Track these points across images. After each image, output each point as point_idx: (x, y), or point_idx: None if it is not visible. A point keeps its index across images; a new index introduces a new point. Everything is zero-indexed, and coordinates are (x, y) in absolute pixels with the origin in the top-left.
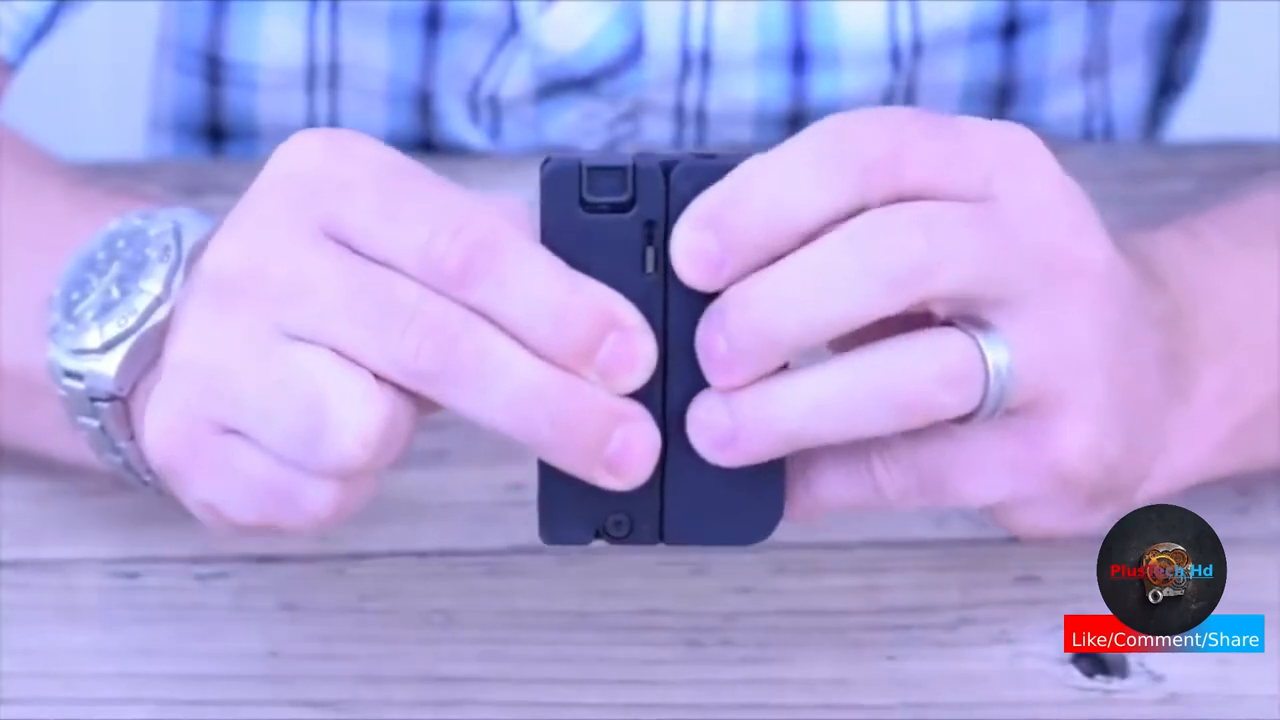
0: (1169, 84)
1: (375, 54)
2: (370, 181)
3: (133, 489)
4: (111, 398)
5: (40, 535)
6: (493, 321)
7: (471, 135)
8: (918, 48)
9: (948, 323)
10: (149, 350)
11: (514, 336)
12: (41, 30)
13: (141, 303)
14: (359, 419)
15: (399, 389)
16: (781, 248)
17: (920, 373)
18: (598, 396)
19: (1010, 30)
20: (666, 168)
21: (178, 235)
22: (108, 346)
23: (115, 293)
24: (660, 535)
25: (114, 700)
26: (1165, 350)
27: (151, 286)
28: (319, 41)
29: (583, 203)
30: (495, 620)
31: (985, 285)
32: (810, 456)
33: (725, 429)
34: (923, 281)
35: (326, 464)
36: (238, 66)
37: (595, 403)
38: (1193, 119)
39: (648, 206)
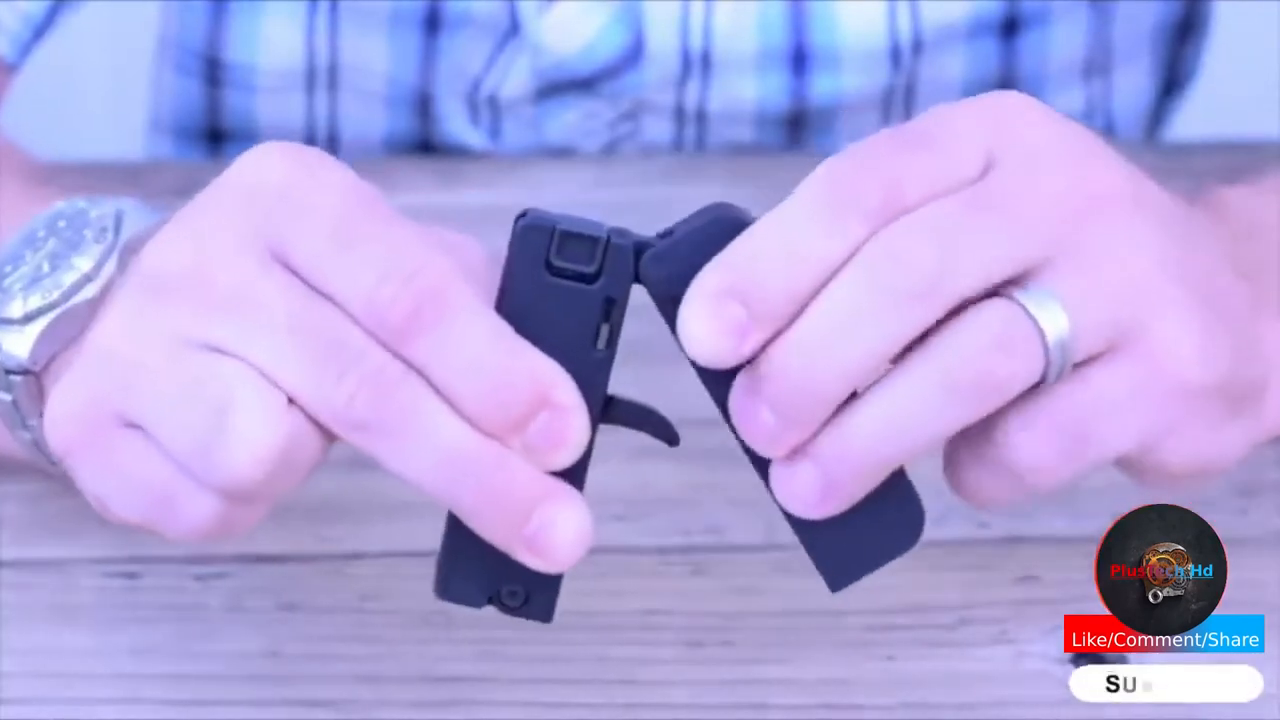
0: (1171, 83)
1: (375, 55)
2: (329, 211)
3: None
4: (25, 371)
5: (40, 535)
6: (429, 378)
7: (471, 136)
8: (918, 46)
9: (989, 294)
10: (69, 327)
11: (447, 397)
12: (41, 29)
13: (69, 278)
14: (260, 436)
15: (312, 421)
16: (801, 306)
17: (973, 350)
18: (523, 472)
19: (1010, 28)
20: (639, 249)
21: (118, 220)
22: (28, 318)
23: (45, 267)
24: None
25: (113, 700)
26: (1233, 261)
27: (82, 264)
28: (318, 43)
29: (549, 265)
30: (495, 620)
31: (1011, 261)
32: (948, 460)
33: (814, 489)
34: (946, 286)
35: (217, 475)
36: (237, 68)
37: (519, 478)
38: (1193, 119)
39: (612, 283)
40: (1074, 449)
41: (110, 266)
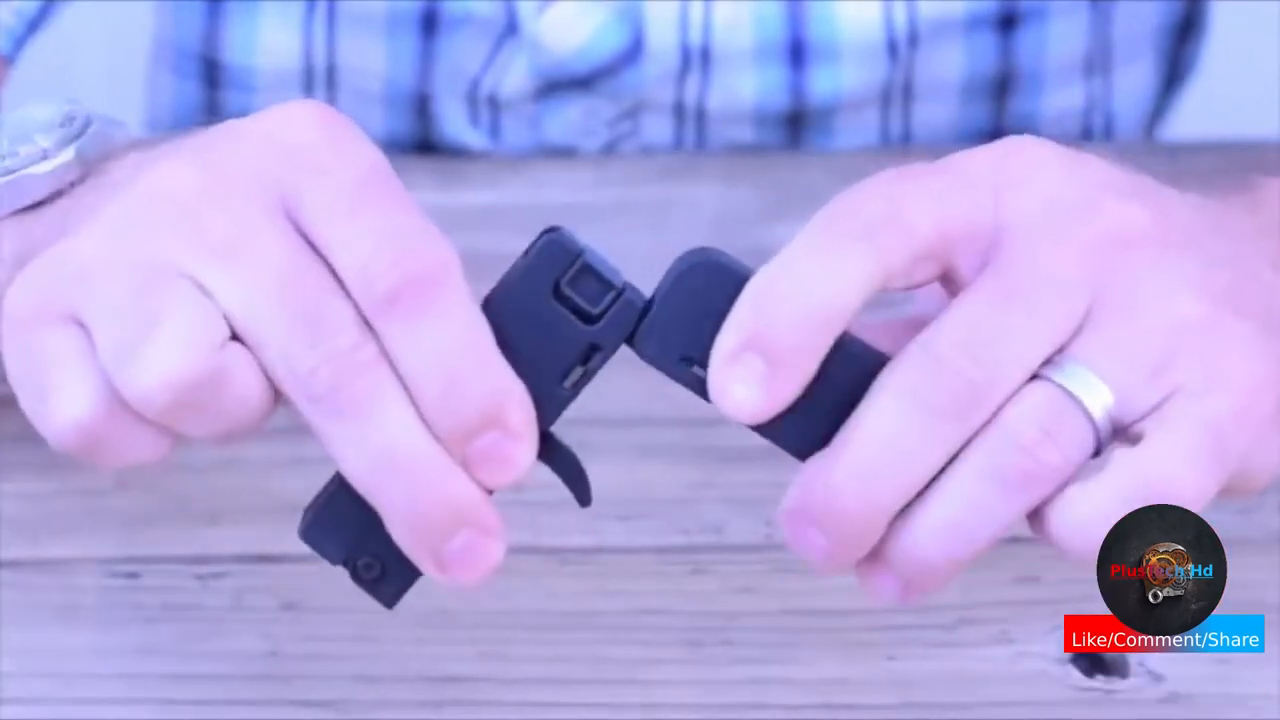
0: (1170, 78)
1: (372, 56)
2: (348, 177)
3: (130, 493)
4: None
5: (40, 535)
6: (397, 362)
7: (470, 136)
8: (914, 39)
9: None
10: (13, 195)
11: (409, 386)
12: (35, 23)
13: (24, 149)
14: (177, 361)
15: (264, 375)
16: (825, 345)
17: (1019, 444)
18: (462, 491)
19: (1007, 22)
20: (645, 312)
21: (88, 121)
22: None
23: (4, 143)
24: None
25: (114, 700)
26: (1273, 256)
27: (42, 140)
28: (315, 44)
29: (556, 287)
30: (493, 620)
31: (1048, 346)
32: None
33: (895, 592)
34: (987, 397)
35: (127, 383)
36: (234, 69)
37: (456, 495)
38: (1193, 118)
39: (606, 333)
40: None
41: (68, 154)
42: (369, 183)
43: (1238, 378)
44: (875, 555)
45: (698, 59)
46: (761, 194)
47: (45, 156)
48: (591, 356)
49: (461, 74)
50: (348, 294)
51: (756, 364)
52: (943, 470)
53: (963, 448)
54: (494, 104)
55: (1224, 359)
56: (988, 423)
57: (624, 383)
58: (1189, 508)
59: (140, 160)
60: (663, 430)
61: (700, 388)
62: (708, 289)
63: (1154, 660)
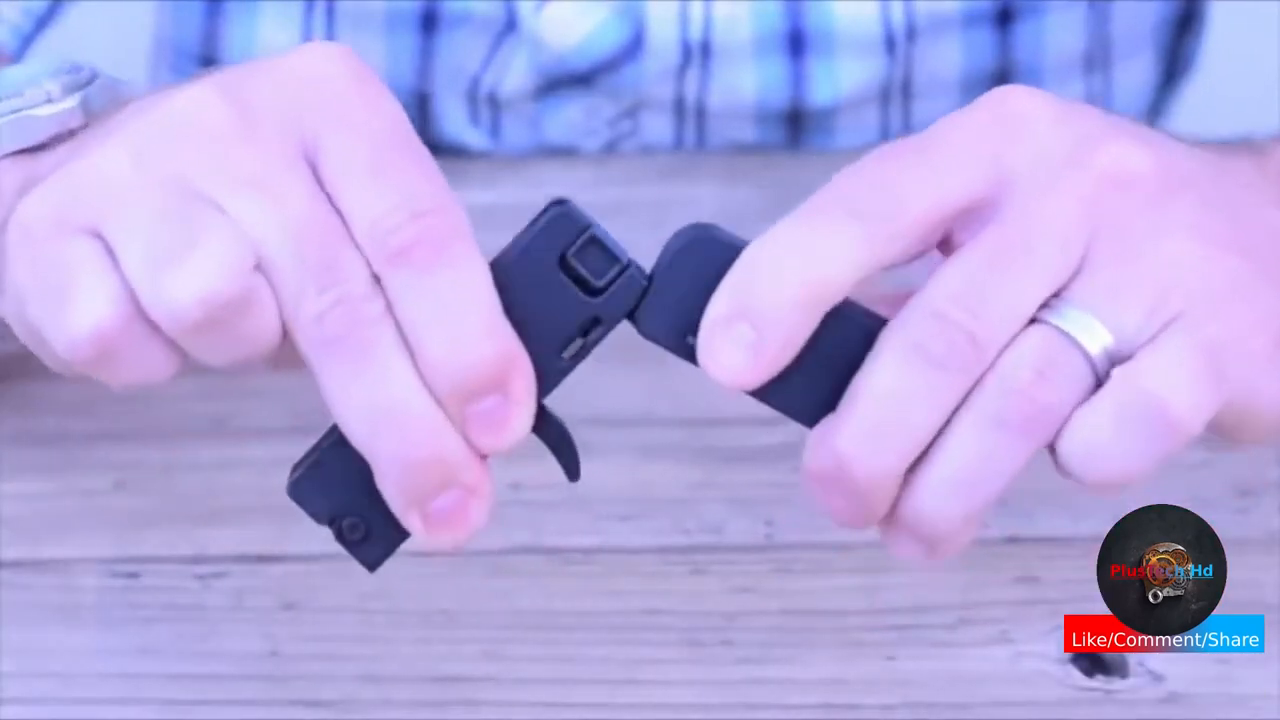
0: (1169, 73)
1: (372, 55)
2: (372, 132)
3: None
4: None
5: (40, 535)
6: (402, 318)
7: (470, 135)
8: (911, 34)
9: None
10: (14, 135)
11: (412, 344)
12: (43, 21)
13: (31, 92)
14: (216, 279)
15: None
16: (814, 319)
17: (1017, 388)
18: (455, 449)
19: (1005, 17)
20: (647, 290)
21: (94, 74)
22: None
23: (10, 84)
24: (373, 567)
25: (114, 700)
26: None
27: (49, 85)
28: None
29: (562, 258)
30: (495, 620)
31: (1041, 291)
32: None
33: (918, 552)
34: (985, 347)
35: (159, 299)
36: None
37: (448, 453)
38: (1192, 115)
39: (609, 306)
40: (1156, 434)
41: (72, 100)
42: (391, 140)
43: (1235, 311)
44: (892, 515)
45: (698, 54)
46: (761, 194)
47: (50, 100)
48: (591, 329)
49: (461, 72)
50: (359, 249)
51: (745, 331)
52: (948, 425)
53: (964, 400)
54: (494, 103)
55: (1221, 295)
56: (988, 372)
57: (624, 383)
58: (1184, 425)
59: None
60: (663, 430)
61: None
62: (705, 264)
63: (1154, 660)
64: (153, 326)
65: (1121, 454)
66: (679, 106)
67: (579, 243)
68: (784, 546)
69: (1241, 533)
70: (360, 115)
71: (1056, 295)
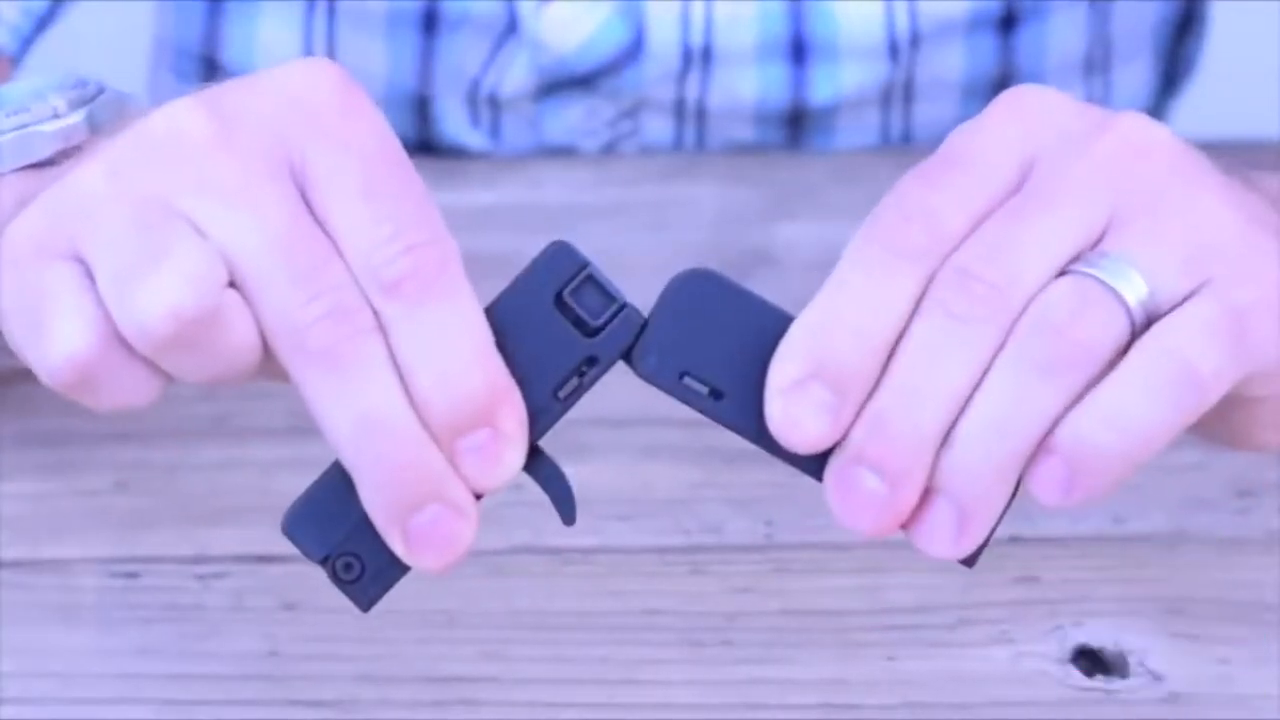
0: (1169, 78)
1: (372, 56)
2: (364, 154)
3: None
4: None
5: (40, 535)
6: (393, 347)
7: (471, 137)
8: (915, 39)
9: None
10: (17, 151)
11: (403, 373)
12: (43, 22)
13: (38, 108)
14: (184, 293)
15: (256, 324)
16: (880, 365)
17: (1054, 330)
18: (441, 464)
19: (1008, 22)
20: (642, 324)
21: (101, 88)
22: None
23: (17, 100)
24: (366, 608)
25: (114, 700)
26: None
27: (55, 101)
28: (315, 44)
29: (558, 296)
30: (495, 620)
31: (1073, 241)
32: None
33: (951, 523)
34: (1015, 296)
35: (129, 312)
36: (234, 69)
37: (433, 465)
38: (1193, 118)
39: (605, 346)
40: (1228, 344)
41: (78, 116)
42: (381, 163)
43: (1267, 277)
44: (926, 490)
45: (699, 57)
46: (761, 194)
47: (56, 115)
48: (587, 370)
49: (461, 74)
50: (348, 268)
51: (822, 394)
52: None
53: (999, 351)
54: (494, 104)
55: (1251, 259)
56: (1020, 319)
57: (624, 383)
58: (1210, 390)
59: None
60: (663, 430)
61: (699, 401)
62: (704, 305)
63: (1154, 660)
64: (130, 348)
65: (1148, 415)
66: (679, 108)
67: (575, 281)
68: (784, 546)
69: (1241, 533)
70: (350, 134)
71: (1090, 248)
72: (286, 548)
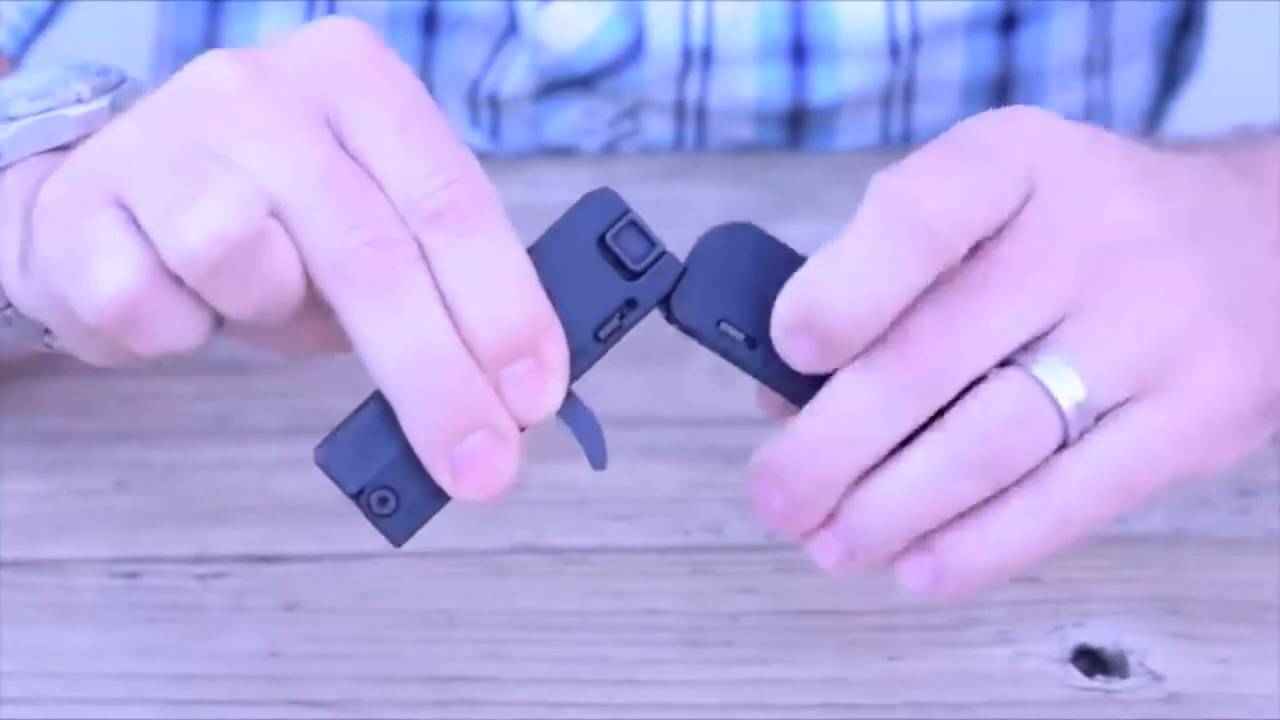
0: (1170, 78)
1: None
2: (396, 99)
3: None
4: None
5: (40, 535)
6: (436, 277)
7: (470, 138)
8: (916, 40)
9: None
10: (43, 135)
11: (447, 303)
12: (43, 22)
13: (61, 93)
14: (227, 220)
15: (297, 257)
16: (876, 332)
17: (986, 429)
18: (484, 392)
19: (1009, 23)
20: (682, 270)
21: (123, 76)
22: (12, 119)
23: (42, 84)
24: (399, 542)
25: (114, 700)
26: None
27: (79, 86)
28: None
29: (601, 239)
30: (495, 620)
31: (1022, 331)
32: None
33: (835, 555)
34: (956, 377)
35: (174, 241)
36: None
37: (479, 391)
38: (1193, 115)
39: (645, 289)
40: (1114, 500)
41: (102, 102)
42: (415, 106)
43: (1207, 386)
44: (772, 469)
45: (699, 58)
46: (762, 194)
47: (80, 101)
48: (627, 313)
49: (461, 74)
50: (390, 201)
51: (808, 344)
52: (906, 444)
53: (927, 423)
54: (494, 104)
55: (1197, 366)
56: (956, 401)
57: (624, 383)
58: (1141, 495)
59: None
60: (664, 430)
61: (734, 349)
62: (742, 255)
63: (1154, 660)
64: (176, 283)
65: (1029, 547)
66: (679, 108)
67: (618, 225)
68: (784, 546)
69: (1241, 533)
70: (382, 81)
71: (1038, 340)
72: (286, 548)
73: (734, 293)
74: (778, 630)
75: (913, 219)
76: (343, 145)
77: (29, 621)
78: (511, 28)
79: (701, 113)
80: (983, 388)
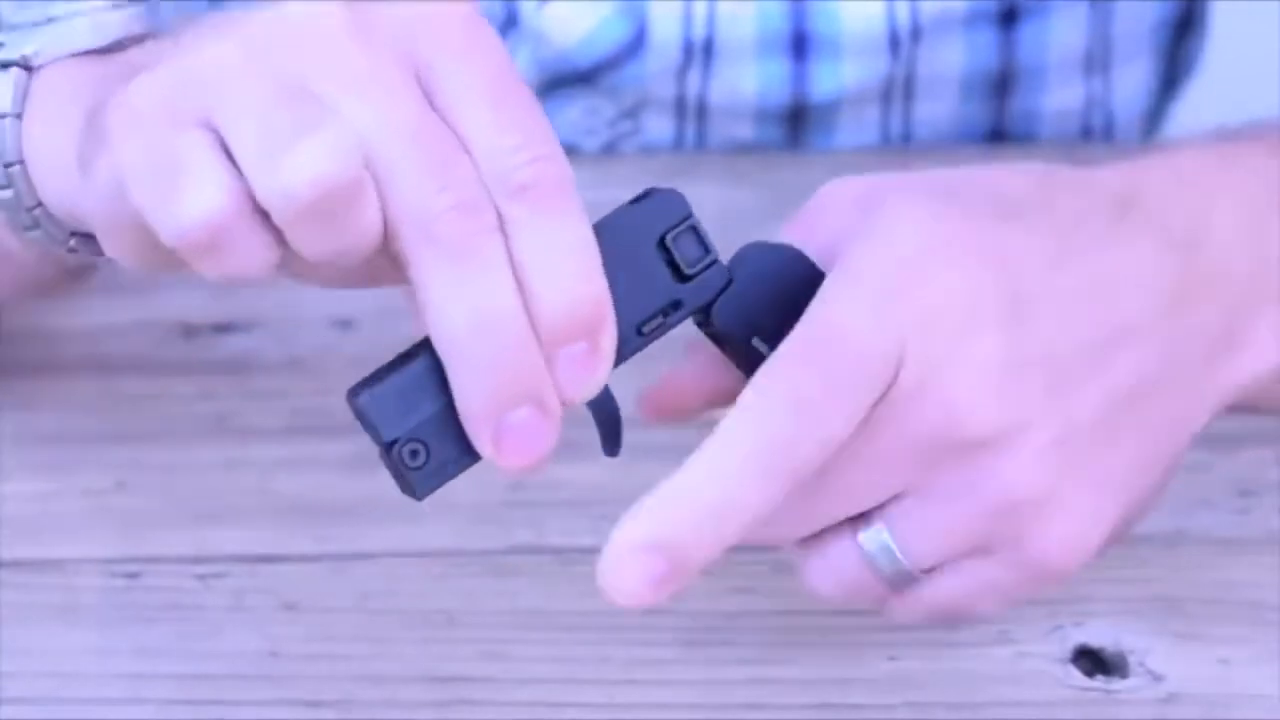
0: (1170, 79)
1: None
2: (490, 67)
3: (130, 493)
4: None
5: (40, 535)
6: (511, 248)
7: None
8: (916, 33)
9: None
10: (89, 35)
11: (519, 275)
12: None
13: (95, 3)
14: (331, 164)
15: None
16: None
17: (813, 577)
18: (541, 366)
19: (1009, 17)
20: (727, 282)
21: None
22: (49, 19)
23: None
24: (421, 496)
25: (114, 700)
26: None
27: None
28: None
29: (661, 239)
30: (495, 620)
31: (868, 501)
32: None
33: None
34: (804, 524)
35: (276, 180)
36: None
37: (536, 366)
38: (1193, 118)
39: (692, 294)
40: (945, 619)
41: (138, 8)
42: (508, 77)
43: (1047, 548)
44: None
45: (700, 51)
46: (762, 194)
47: (116, 6)
48: (671, 313)
49: None
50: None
51: (660, 565)
52: None
53: None
54: None
55: (1036, 534)
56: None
57: (624, 383)
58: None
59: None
60: (663, 430)
61: (756, 363)
62: (780, 275)
63: (1154, 660)
64: (261, 216)
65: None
66: (680, 106)
67: (680, 228)
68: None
69: (1241, 533)
70: (476, 49)
71: (878, 508)
72: (286, 548)
73: (770, 312)
74: (777, 630)
75: (778, 465)
76: (430, 103)
77: (29, 621)
78: (511, 22)
79: (702, 111)
80: (817, 544)
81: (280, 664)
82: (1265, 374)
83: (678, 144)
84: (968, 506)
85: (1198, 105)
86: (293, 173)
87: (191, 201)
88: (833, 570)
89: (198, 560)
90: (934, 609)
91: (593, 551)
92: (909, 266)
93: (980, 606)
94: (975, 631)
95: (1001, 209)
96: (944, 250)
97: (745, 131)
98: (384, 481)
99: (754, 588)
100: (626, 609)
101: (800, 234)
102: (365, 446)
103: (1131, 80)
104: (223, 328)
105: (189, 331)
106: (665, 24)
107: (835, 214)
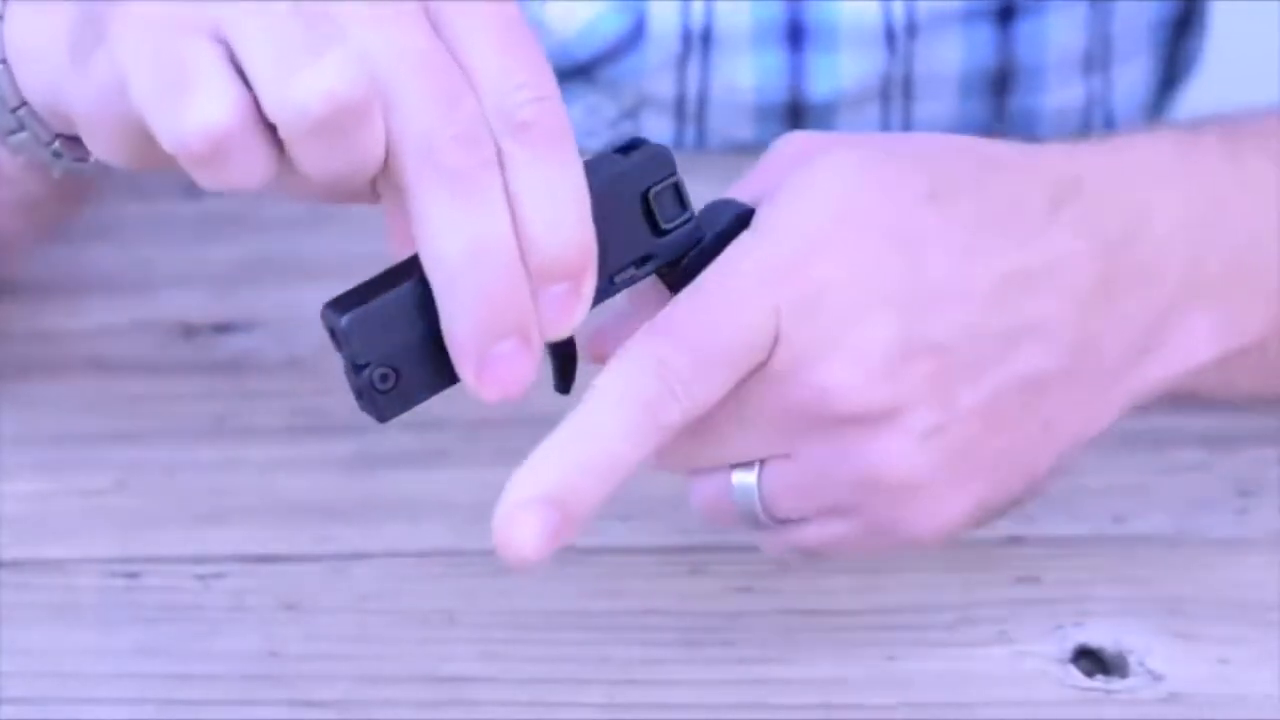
0: (1169, 77)
1: None
2: (494, 9)
3: (130, 493)
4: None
5: (40, 535)
6: (509, 182)
7: None
8: (912, 29)
9: None
10: None
11: (514, 208)
12: None
13: None
14: (343, 81)
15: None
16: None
17: (696, 501)
18: (527, 301)
19: (1006, 14)
20: (698, 240)
21: None
22: None
23: None
24: (385, 419)
25: (113, 700)
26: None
27: None
28: None
29: (644, 194)
30: (495, 620)
31: (747, 454)
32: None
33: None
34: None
35: (289, 95)
36: None
37: (524, 299)
38: (1193, 114)
39: (663, 249)
40: (807, 558)
41: None
42: (515, 18)
43: (905, 531)
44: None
45: (698, 41)
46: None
47: None
48: (643, 264)
49: None
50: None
51: (553, 517)
52: None
53: None
54: None
55: (893, 515)
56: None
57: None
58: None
59: None
60: None
61: None
62: (740, 233)
63: (1154, 660)
64: (264, 130)
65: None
66: (679, 105)
67: (664, 184)
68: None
69: (1241, 533)
70: None
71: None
72: (286, 548)
73: None
74: (776, 630)
75: (645, 424)
76: (437, 34)
77: (29, 621)
78: None
79: (701, 110)
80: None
81: (280, 664)
82: (1194, 371)
83: (677, 144)
84: (832, 477)
85: (1197, 103)
86: (307, 87)
87: (197, 110)
88: (706, 496)
89: (197, 560)
90: (795, 548)
91: (592, 551)
92: (810, 240)
93: (839, 555)
94: (975, 631)
95: (933, 186)
96: (853, 224)
97: (745, 131)
98: (384, 481)
99: (754, 588)
100: (626, 610)
101: (751, 189)
102: (365, 446)
103: (1131, 79)
104: (223, 328)
105: (189, 331)
106: (664, 16)
107: (777, 170)
